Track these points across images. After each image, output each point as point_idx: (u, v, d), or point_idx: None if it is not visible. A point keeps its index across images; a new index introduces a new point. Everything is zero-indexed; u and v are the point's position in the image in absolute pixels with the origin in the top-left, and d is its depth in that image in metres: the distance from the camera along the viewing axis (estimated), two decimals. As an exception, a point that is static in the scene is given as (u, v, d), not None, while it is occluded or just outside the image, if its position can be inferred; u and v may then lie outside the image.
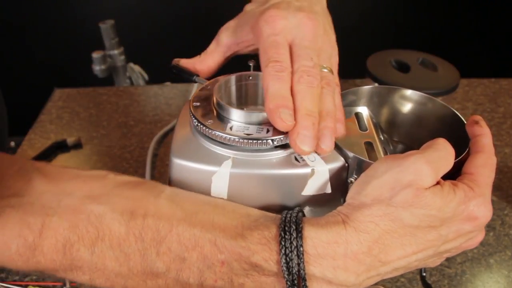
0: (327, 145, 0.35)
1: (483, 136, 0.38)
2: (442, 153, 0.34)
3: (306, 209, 0.38)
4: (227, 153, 0.37)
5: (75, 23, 1.91)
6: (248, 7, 0.45)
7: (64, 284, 0.58)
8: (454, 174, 0.35)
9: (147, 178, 0.73)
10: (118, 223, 0.34)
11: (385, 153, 0.42)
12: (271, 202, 0.37)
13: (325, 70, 0.39)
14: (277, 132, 0.36)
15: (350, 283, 0.32)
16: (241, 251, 0.32)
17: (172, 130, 0.85)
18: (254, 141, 0.36)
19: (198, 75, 0.44)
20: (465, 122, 0.40)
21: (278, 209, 0.36)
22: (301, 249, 0.31)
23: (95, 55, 1.39)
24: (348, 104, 0.46)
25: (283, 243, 0.31)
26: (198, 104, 0.39)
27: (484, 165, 0.36)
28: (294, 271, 0.31)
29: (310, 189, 0.37)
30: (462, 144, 0.38)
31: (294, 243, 0.31)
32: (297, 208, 0.34)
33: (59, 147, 0.82)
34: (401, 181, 0.32)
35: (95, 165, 0.78)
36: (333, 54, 0.42)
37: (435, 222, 0.32)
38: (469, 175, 0.35)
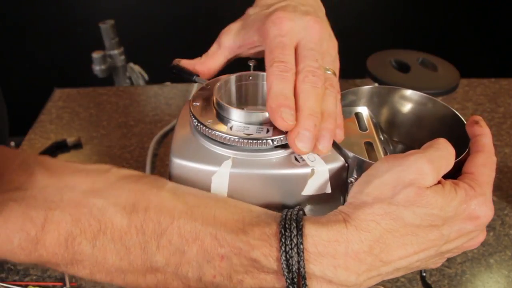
0: (325, 146, 0.36)
1: (483, 136, 0.38)
2: (443, 153, 0.34)
3: (306, 209, 0.38)
4: (227, 153, 0.37)
5: (75, 23, 1.91)
6: (251, 11, 0.45)
7: (64, 284, 0.58)
8: (454, 174, 0.35)
9: (147, 178, 0.73)
10: (120, 215, 0.34)
11: (385, 153, 0.42)
12: (271, 202, 0.37)
13: (329, 72, 0.39)
14: (277, 132, 0.36)
15: (351, 283, 0.32)
16: (241, 246, 0.32)
17: (172, 130, 0.85)
18: (254, 141, 0.36)
19: (198, 75, 0.44)
20: (465, 122, 0.40)
21: (278, 209, 0.36)
22: (301, 246, 0.31)
23: (95, 55, 1.39)
24: (348, 104, 0.46)
25: (283, 240, 0.31)
26: (198, 104, 0.39)
27: (484, 164, 0.36)
28: (294, 269, 0.31)
29: (310, 189, 0.37)
30: (462, 144, 0.38)
31: (295, 240, 0.31)
32: (297, 207, 0.34)
33: (59, 147, 0.82)
34: (402, 180, 0.32)
35: (95, 165, 0.78)
36: (336, 59, 0.42)
37: (436, 221, 0.32)
38: (470, 175, 0.35)
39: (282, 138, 0.36)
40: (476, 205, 0.33)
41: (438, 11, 2.07)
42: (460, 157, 0.36)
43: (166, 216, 0.34)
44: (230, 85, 0.42)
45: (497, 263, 0.61)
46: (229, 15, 0.47)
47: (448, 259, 0.37)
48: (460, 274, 0.60)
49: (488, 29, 2.10)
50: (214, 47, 0.45)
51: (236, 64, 0.46)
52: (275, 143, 0.36)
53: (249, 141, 0.36)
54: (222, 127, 0.37)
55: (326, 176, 0.37)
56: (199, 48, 0.47)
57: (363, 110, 0.46)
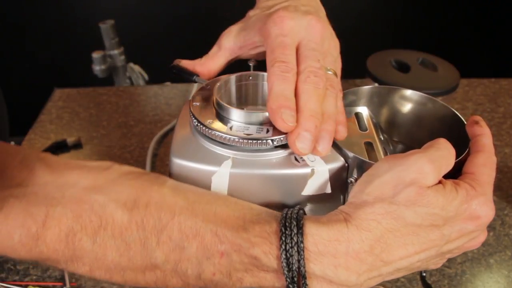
0: (324, 147, 0.35)
1: (483, 136, 0.38)
2: (444, 153, 0.34)
3: (306, 209, 0.38)
4: (227, 153, 0.37)
5: (75, 23, 1.91)
6: (252, 13, 0.46)
7: (64, 284, 0.58)
8: (454, 174, 0.35)
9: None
10: (121, 211, 0.34)
11: (385, 153, 0.42)
12: (271, 202, 0.37)
13: (330, 73, 0.39)
14: (277, 132, 0.36)
15: (351, 283, 0.32)
16: (241, 243, 0.32)
17: (172, 130, 0.85)
18: (254, 141, 0.36)
19: (198, 75, 0.44)
20: (465, 122, 0.40)
21: (278, 209, 0.36)
22: (302, 245, 0.31)
23: (95, 55, 1.39)
24: (348, 104, 0.46)
25: (283, 238, 0.31)
26: (198, 104, 0.39)
27: (484, 164, 0.36)
28: (294, 267, 0.31)
29: (310, 189, 0.37)
30: (462, 144, 0.38)
31: (295, 239, 0.31)
32: (298, 206, 0.34)
33: (59, 147, 0.82)
34: (403, 180, 0.32)
35: (95, 165, 0.78)
36: (337, 59, 0.42)
37: (438, 221, 0.32)
38: (470, 175, 0.35)
39: (282, 138, 0.36)
40: (477, 205, 0.33)
41: (438, 11, 2.07)
42: (460, 157, 0.36)
43: (166, 212, 0.34)
44: (230, 85, 0.42)
45: (497, 263, 0.61)
46: (229, 16, 0.47)
47: (448, 259, 0.37)
48: (460, 274, 0.60)
49: (488, 29, 2.10)
50: (214, 48, 0.45)
51: (236, 65, 0.47)
52: (275, 143, 0.36)
53: (249, 141, 0.35)
54: (222, 127, 0.37)
55: (326, 176, 0.37)
56: (199, 48, 0.47)
57: (363, 110, 0.46)
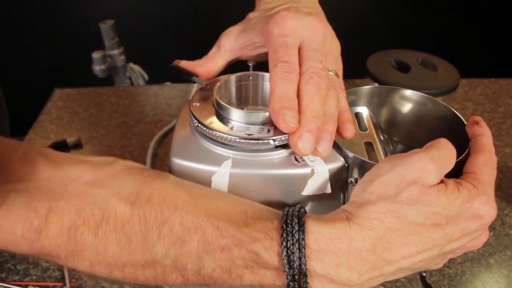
0: (325, 148, 0.35)
1: (484, 136, 0.38)
2: (445, 152, 0.34)
3: (306, 209, 0.38)
4: (227, 153, 0.37)
5: (75, 23, 1.92)
6: (252, 15, 0.46)
7: (64, 284, 0.58)
8: (455, 175, 0.35)
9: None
10: (124, 204, 0.34)
11: (385, 153, 0.42)
12: (271, 202, 0.37)
13: (331, 73, 0.39)
14: (277, 132, 0.36)
15: (353, 283, 0.32)
16: (242, 237, 0.32)
17: (172, 130, 0.85)
18: (254, 141, 0.36)
19: (197, 76, 0.44)
20: (465, 122, 0.40)
21: (278, 209, 0.36)
22: (303, 242, 0.31)
23: (95, 55, 1.39)
24: (348, 105, 0.46)
25: (284, 235, 0.31)
26: (198, 104, 0.39)
27: (485, 164, 0.36)
28: (295, 265, 0.31)
29: (310, 189, 0.37)
30: (462, 144, 0.38)
31: (296, 236, 0.31)
32: (299, 205, 0.34)
33: (59, 147, 0.82)
34: (406, 179, 0.32)
35: (95, 165, 0.78)
36: (338, 59, 0.42)
37: (440, 220, 0.32)
38: (472, 174, 0.35)
39: (282, 138, 0.36)
40: (479, 204, 0.33)
41: (438, 11, 2.07)
42: (461, 157, 0.36)
43: (169, 205, 0.34)
44: (230, 85, 0.42)
45: (497, 263, 0.61)
46: (229, 16, 0.47)
47: (448, 259, 0.37)
48: (460, 274, 0.60)
49: (488, 29, 2.10)
50: (214, 49, 0.45)
51: (235, 64, 0.47)
52: (275, 143, 0.36)
53: (249, 141, 0.35)
54: (222, 127, 0.36)
55: (326, 176, 0.37)
56: (199, 48, 0.47)
57: (363, 110, 0.46)
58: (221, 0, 1.89)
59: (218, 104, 0.38)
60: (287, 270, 0.31)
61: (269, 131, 0.36)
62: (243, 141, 0.35)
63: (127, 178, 0.36)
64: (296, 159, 0.37)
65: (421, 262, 0.34)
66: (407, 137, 0.46)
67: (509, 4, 2.04)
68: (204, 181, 0.36)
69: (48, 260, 0.60)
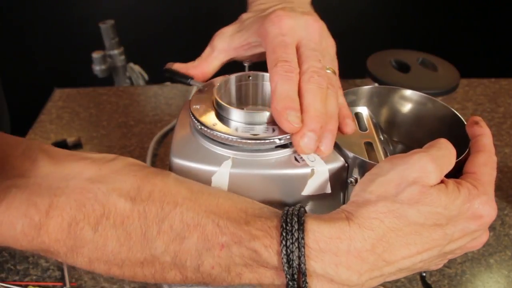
0: (327, 147, 0.36)
1: (484, 136, 0.38)
2: (445, 152, 0.34)
3: (306, 209, 0.38)
4: (227, 153, 0.37)
5: (75, 23, 1.91)
6: (245, 16, 0.46)
7: (64, 284, 0.58)
8: (455, 175, 0.35)
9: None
10: (124, 199, 0.34)
11: (385, 153, 0.42)
12: (271, 202, 0.37)
13: (329, 71, 0.39)
14: (280, 131, 0.36)
15: (353, 283, 0.32)
16: (242, 235, 0.32)
17: (172, 130, 0.85)
18: (254, 141, 0.36)
19: (192, 78, 0.44)
20: (465, 122, 0.40)
21: (278, 209, 0.36)
22: (302, 241, 0.31)
23: (95, 55, 1.39)
24: (348, 104, 0.46)
25: (284, 234, 0.31)
26: (198, 104, 0.39)
27: (485, 164, 0.36)
28: (294, 264, 0.31)
29: (310, 189, 0.37)
30: (462, 144, 0.38)
31: (296, 235, 0.31)
32: (299, 204, 0.34)
33: (59, 147, 0.81)
34: (406, 178, 0.32)
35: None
36: (334, 57, 0.42)
37: (440, 220, 0.32)
38: (472, 174, 0.35)
39: (288, 137, 0.36)
40: (479, 204, 0.33)
41: (438, 11, 2.07)
42: (461, 157, 0.36)
43: (169, 201, 0.34)
44: (230, 85, 0.42)
45: (497, 263, 0.61)
46: (229, 16, 0.47)
47: (448, 259, 0.37)
48: (460, 274, 0.60)
49: (488, 29, 2.10)
50: (207, 50, 0.45)
51: (232, 65, 0.46)
52: (281, 142, 0.36)
53: (249, 141, 0.36)
54: (222, 128, 0.37)
55: (326, 176, 0.37)
56: (199, 48, 0.47)
57: (363, 110, 0.46)
58: (221, 0, 1.89)
59: (218, 104, 0.38)
60: (286, 269, 0.31)
61: (274, 130, 0.36)
62: (242, 141, 0.35)
63: (128, 174, 0.36)
64: (296, 159, 0.37)
65: (421, 262, 0.34)
66: (407, 137, 0.46)
67: (509, 4, 2.04)
68: (204, 181, 0.36)
69: (48, 260, 0.60)
